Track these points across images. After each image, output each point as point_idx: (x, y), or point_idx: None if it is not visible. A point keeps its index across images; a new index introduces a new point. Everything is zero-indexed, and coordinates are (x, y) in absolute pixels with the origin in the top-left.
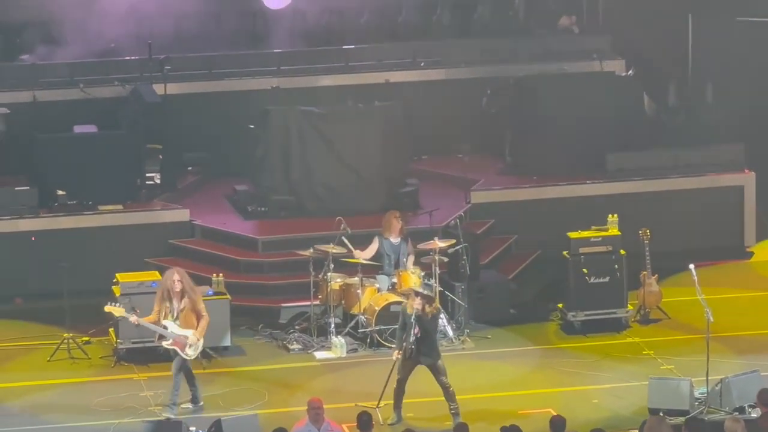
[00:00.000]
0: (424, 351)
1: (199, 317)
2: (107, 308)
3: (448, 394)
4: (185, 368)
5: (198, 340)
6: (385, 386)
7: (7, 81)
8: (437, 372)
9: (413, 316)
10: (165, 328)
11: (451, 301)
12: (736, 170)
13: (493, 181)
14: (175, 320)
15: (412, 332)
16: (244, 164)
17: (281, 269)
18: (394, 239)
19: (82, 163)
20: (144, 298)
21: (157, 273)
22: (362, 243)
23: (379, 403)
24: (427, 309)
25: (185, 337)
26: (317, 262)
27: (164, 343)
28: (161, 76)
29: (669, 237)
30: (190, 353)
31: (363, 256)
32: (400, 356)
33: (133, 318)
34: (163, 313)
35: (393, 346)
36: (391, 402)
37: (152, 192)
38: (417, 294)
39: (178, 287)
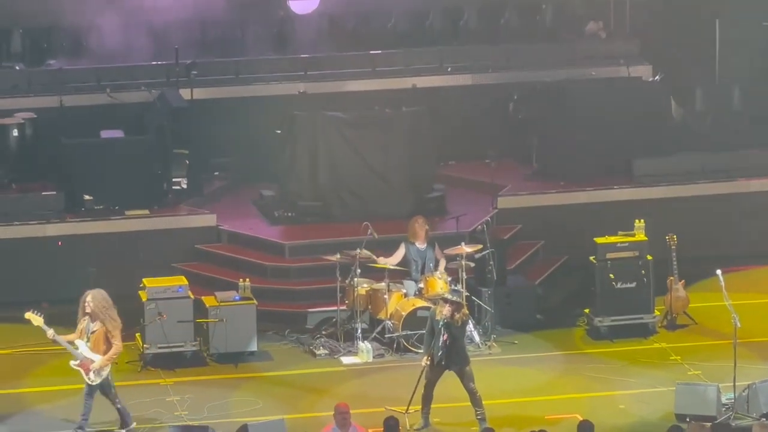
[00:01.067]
0: (452, 357)
1: (110, 344)
2: (27, 315)
3: (475, 400)
4: (99, 391)
5: (102, 367)
6: (414, 392)
7: (34, 86)
8: (465, 378)
9: (441, 323)
10: (76, 348)
11: (477, 307)
12: (764, 175)
13: (520, 186)
14: (87, 342)
15: (440, 339)
16: (270, 169)
17: (308, 274)
18: (420, 245)
19: (109, 168)
20: (170, 303)
21: (183, 278)
22: (389, 248)
23: (408, 409)
24: (456, 316)
25: (91, 361)
26: (344, 268)
27: (72, 363)
28: (188, 81)
29: (696, 242)
30: (93, 378)
31: (390, 262)
32: (428, 362)
33: (50, 332)
34: (80, 332)
35: (419, 351)
36: (419, 407)
37: (179, 197)
38: (446, 301)
39: (87, 309)
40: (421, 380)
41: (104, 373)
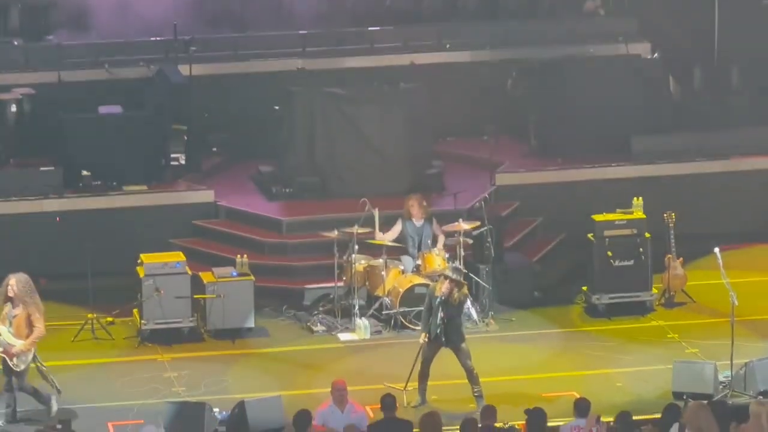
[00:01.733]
0: (449, 334)
1: (32, 328)
2: None
3: (472, 377)
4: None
5: (24, 351)
6: (412, 369)
7: (33, 61)
8: (461, 355)
9: (439, 300)
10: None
11: (475, 284)
12: (762, 153)
13: (518, 163)
14: (9, 327)
15: (438, 316)
16: (268, 145)
17: (305, 251)
18: (417, 221)
19: (107, 144)
20: (168, 279)
21: (181, 254)
22: (385, 224)
23: (406, 386)
24: (456, 294)
25: (12, 345)
26: (341, 244)
27: None
28: (186, 57)
29: (694, 220)
30: (17, 363)
31: (386, 238)
32: (425, 340)
33: None
34: (2, 319)
35: (417, 328)
36: (416, 384)
37: (177, 173)
38: (447, 278)
39: (10, 293)
40: (418, 357)
41: (28, 358)
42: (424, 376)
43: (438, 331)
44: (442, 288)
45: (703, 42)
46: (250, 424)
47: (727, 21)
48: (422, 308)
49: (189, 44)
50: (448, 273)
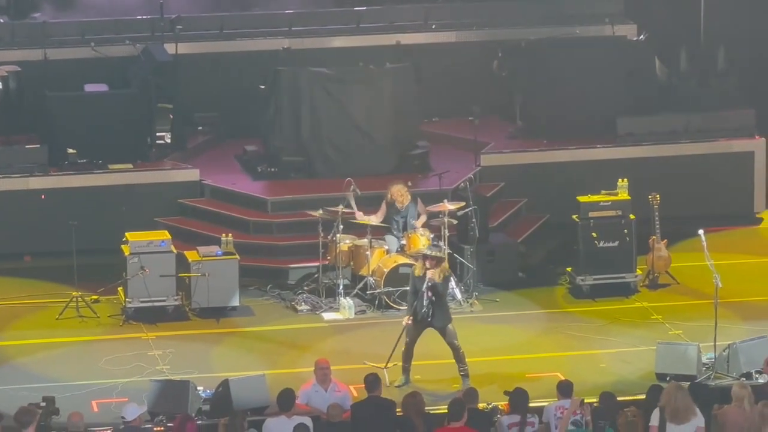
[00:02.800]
0: (435, 314)
1: None
2: None
3: (458, 356)
4: None
5: None
6: (394, 347)
7: (19, 39)
8: (447, 335)
9: (426, 284)
10: None
11: (459, 264)
12: (747, 136)
13: (503, 144)
14: None
15: (424, 296)
16: (254, 124)
17: (290, 230)
18: (400, 205)
19: (93, 122)
20: (153, 258)
21: (166, 232)
22: (372, 204)
23: (387, 364)
24: (436, 271)
25: None
26: (326, 223)
27: None
28: (172, 36)
29: (678, 202)
30: None
31: (373, 220)
32: (410, 321)
33: None
34: None
35: (401, 308)
36: (400, 364)
37: (162, 151)
38: (426, 257)
39: None
40: (402, 337)
41: None
42: (408, 357)
43: (423, 311)
44: (424, 267)
45: (690, 24)
46: (234, 403)
47: (714, 3)
48: (407, 288)
49: (175, 23)
50: (427, 251)
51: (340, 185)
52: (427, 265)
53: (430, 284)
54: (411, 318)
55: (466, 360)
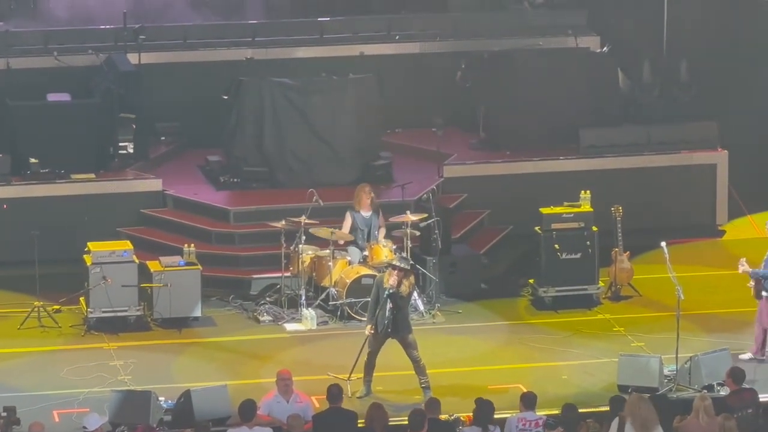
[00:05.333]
0: (396, 325)
1: None
2: None
3: (419, 368)
4: None
5: None
6: (356, 359)
7: None
8: (408, 346)
9: (387, 292)
10: None
11: (422, 275)
12: (710, 148)
13: (466, 155)
14: None
15: (387, 308)
16: (217, 135)
17: (253, 240)
18: (365, 212)
19: (55, 132)
20: (115, 268)
21: (128, 243)
22: (333, 215)
23: (350, 376)
24: (405, 283)
25: None
26: (289, 234)
27: None
28: (135, 46)
29: (641, 214)
30: None
31: (345, 237)
32: (372, 331)
33: None
34: None
35: (363, 319)
36: (361, 375)
37: (125, 161)
38: (395, 268)
39: None
40: (364, 348)
41: None
42: (370, 368)
43: (386, 322)
44: (390, 279)
45: (653, 36)
46: (196, 413)
47: (677, 15)
48: (369, 299)
49: (138, 32)
50: (396, 263)
51: (302, 195)
52: (394, 277)
53: (390, 291)
54: (372, 328)
55: (427, 372)
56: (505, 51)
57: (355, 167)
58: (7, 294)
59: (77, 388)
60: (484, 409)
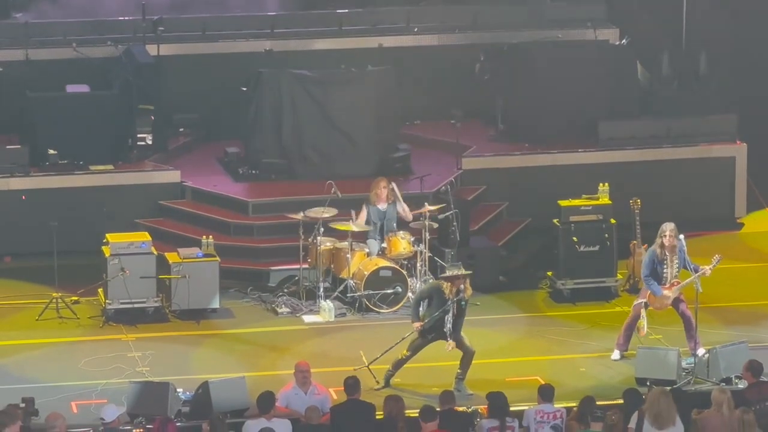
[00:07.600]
0: (455, 329)
1: None
2: None
3: (469, 361)
4: None
5: None
6: (385, 351)
7: (0, 39)
8: (464, 341)
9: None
10: None
11: (440, 268)
12: (728, 141)
13: (484, 147)
14: None
15: (448, 316)
16: (235, 126)
17: (271, 232)
18: (381, 206)
19: (74, 123)
20: (133, 259)
21: (147, 234)
22: (351, 207)
23: (371, 362)
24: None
25: None
26: (307, 226)
27: None
28: (154, 37)
29: (659, 207)
30: None
31: (356, 227)
32: (419, 327)
33: None
34: None
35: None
36: (387, 367)
37: (143, 153)
38: (457, 277)
39: None
40: (403, 344)
41: None
42: (400, 366)
43: (449, 326)
44: (453, 288)
45: (672, 28)
46: (214, 405)
47: (696, 7)
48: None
49: (157, 24)
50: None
51: (321, 188)
52: (456, 284)
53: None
54: (421, 324)
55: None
56: (525, 43)
57: (373, 159)
58: (26, 285)
59: (95, 380)
60: (497, 402)
